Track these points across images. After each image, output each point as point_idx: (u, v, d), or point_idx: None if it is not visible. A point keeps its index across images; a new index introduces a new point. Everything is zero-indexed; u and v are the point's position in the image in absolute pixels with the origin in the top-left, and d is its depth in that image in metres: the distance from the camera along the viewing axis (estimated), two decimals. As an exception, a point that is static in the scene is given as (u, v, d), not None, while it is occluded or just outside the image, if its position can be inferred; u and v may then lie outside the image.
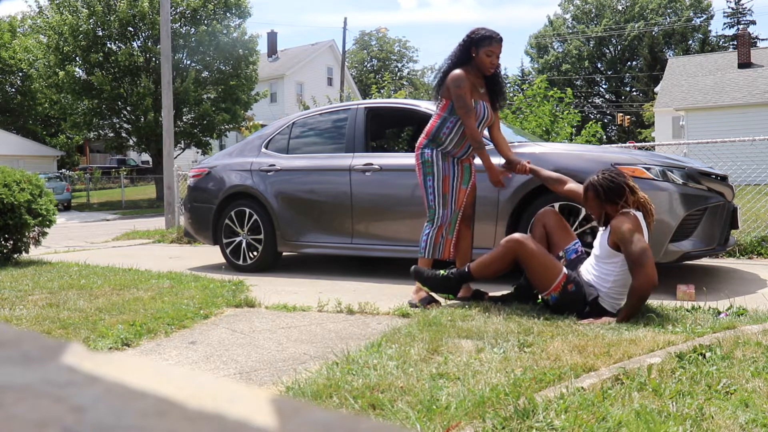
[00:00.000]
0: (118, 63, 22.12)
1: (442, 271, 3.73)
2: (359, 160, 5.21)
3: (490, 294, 3.83)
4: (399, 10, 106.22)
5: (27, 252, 6.49)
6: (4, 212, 5.93)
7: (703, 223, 4.26)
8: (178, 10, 22.63)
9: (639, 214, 3.29)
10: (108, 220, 18.61)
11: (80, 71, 23.04)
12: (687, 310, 3.30)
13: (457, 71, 3.81)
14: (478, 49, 3.83)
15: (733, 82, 22.73)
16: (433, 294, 3.83)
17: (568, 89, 10.62)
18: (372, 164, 5.13)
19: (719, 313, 3.21)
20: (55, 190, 18.14)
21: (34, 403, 0.32)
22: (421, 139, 3.97)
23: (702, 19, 47.62)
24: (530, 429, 1.81)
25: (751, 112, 20.59)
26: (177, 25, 22.67)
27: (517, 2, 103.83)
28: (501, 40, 3.85)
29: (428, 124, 3.99)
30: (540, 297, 3.46)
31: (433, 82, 4.15)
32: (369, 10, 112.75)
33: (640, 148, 8.08)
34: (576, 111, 10.37)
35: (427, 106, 5.32)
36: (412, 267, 3.86)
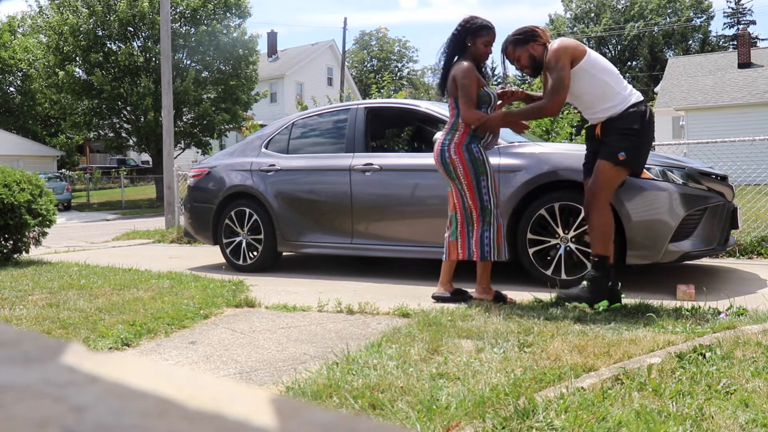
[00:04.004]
0: (118, 63, 22.11)
1: (585, 283, 3.59)
2: (359, 160, 5.21)
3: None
4: (399, 10, 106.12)
5: (27, 252, 6.49)
6: (4, 212, 5.93)
7: (703, 223, 4.26)
8: (178, 10, 22.62)
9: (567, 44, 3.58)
10: (108, 220, 18.61)
11: (80, 71, 23.03)
12: (687, 310, 3.30)
13: (464, 63, 3.80)
14: (475, 39, 3.82)
15: (733, 82, 22.73)
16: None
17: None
18: (372, 164, 5.13)
19: (719, 313, 3.21)
20: (55, 190, 18.12)
21: (34, 403, 0.32)
22: (460, 136, 3.80)
23: (702, 19, 47.63)
24: (530, 429, 1.81)
25: (751, 112, 20.58)
26: (177, 25, 22.67)
27: (516, 2, 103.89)
28: (495, 29, 3.89)
29: (458, 123, 3.84)
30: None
31: (436, 80, 4.10)
32: (369, 10, 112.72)
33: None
34: (576, 111, 10.37)
35: (427, 106, 5.32)
36: (560, 296, 3.61)
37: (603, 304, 3.47)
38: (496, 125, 3.79)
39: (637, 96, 3.62)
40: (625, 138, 3.53)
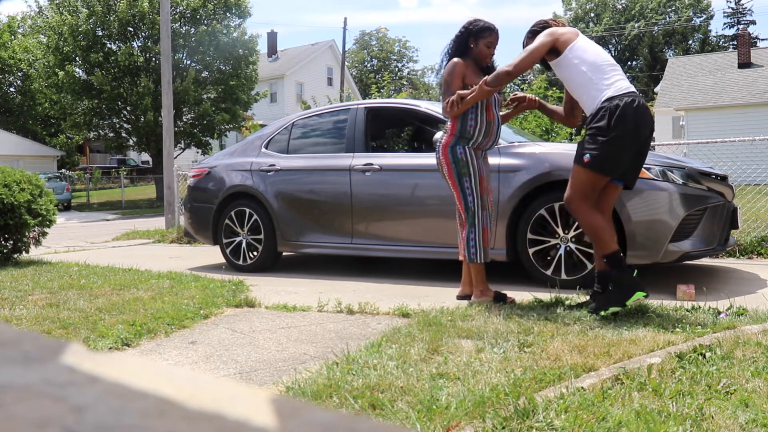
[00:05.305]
0: (118, 63, 22.11)
1: (610, 286, 3.38)
2: (359, 160, 5.21)
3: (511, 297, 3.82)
4: (399, 10, 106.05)
5: (27, 252, 6.49)
6: (4, 212, 5.93)
7: (703, 223, 4.26)
8: (178, 10, 22.62)
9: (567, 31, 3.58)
10: (108, 220, 18.60)
11: (80, 71, 23.04)
12: (687, 310, 3.30)
13: (452, 60, 3.80)
14: (477, 41, 3.83)
15: (733, 82, 22.73)
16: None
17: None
18: (372, 164, 5.13)
19: (719, 313, 3.21)
20: (55, 190, 18.13)
21: (34, 403, 0.32)
22: (447, 137, 3.81)
23: (702, 19, 47.63)
24: (530, 429, 1.81)
25: (751, 112, 20.59)
26: (177, 25, 22.67)
27: (516, 2, 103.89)
28: (498, 31, 3.90)
29: (449, 124, 3.86)
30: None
31: (437, 81, 4.13)
32: (369, 10, 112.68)
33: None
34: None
35: (427, 106, 5.32)
36: (591, 310, 3.30)
37: (638, 295, 3.27)
38: (472, 101, 3.64)
39: (615, 89, 3.31)
40: (591, 138, 3.30)
